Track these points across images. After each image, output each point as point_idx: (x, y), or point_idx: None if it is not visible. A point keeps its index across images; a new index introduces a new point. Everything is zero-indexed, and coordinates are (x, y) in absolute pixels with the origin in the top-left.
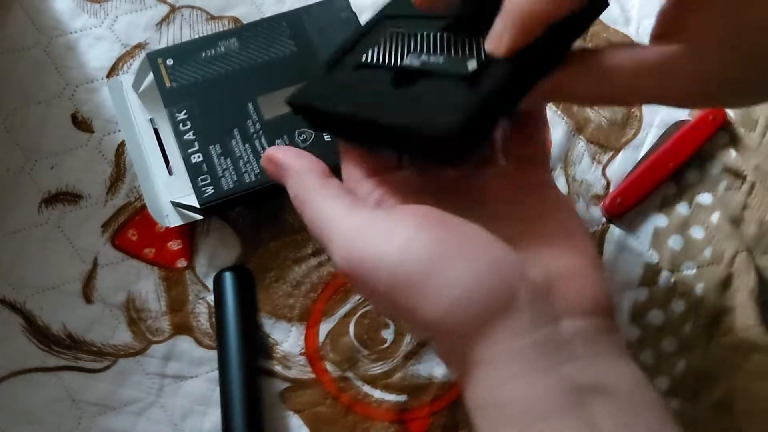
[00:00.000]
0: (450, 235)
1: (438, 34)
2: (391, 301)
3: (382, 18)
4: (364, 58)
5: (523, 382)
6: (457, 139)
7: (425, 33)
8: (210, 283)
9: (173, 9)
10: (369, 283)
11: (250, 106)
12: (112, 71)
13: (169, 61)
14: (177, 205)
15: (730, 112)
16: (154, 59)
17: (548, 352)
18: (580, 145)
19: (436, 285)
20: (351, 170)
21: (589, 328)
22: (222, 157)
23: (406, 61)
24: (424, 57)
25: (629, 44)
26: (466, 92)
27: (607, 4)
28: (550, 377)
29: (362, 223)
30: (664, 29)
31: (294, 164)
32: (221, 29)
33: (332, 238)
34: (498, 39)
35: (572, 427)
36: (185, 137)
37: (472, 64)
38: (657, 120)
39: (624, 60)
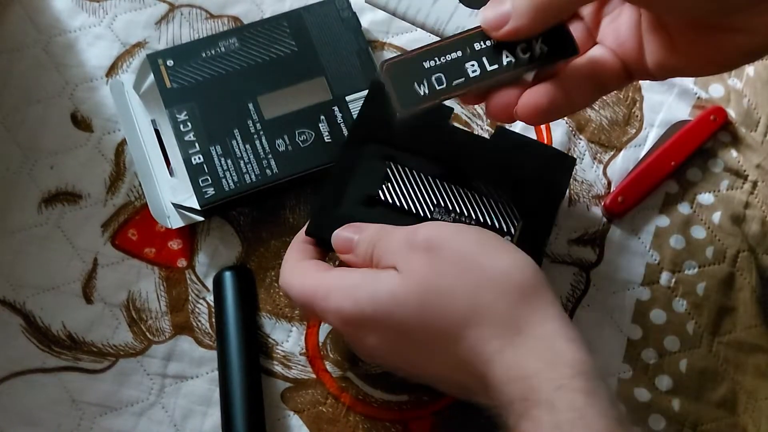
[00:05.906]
0: (486, 233)
1: (443, 185)
2: (463, 262)
3: (361, 140)
4: (379, 194)
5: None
6: None
7: (430, 177)
8: (210, 283)
9: (173, 7)
10: (443, 249)
11: (250, 106)
12: (112, 70)
13: (170, 62)
14: (178, 206)
15: (732, 112)
16: (154, 60)
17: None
18: (581, 144)
19: (495, 247)
20: None
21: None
22: (223, 158)
23: (437, 216)
24: (454, 216)
25: None
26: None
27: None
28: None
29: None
30: None
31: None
32: (221, 28)
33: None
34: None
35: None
36: (186, 138)
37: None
38: (658, 120)
39: None
